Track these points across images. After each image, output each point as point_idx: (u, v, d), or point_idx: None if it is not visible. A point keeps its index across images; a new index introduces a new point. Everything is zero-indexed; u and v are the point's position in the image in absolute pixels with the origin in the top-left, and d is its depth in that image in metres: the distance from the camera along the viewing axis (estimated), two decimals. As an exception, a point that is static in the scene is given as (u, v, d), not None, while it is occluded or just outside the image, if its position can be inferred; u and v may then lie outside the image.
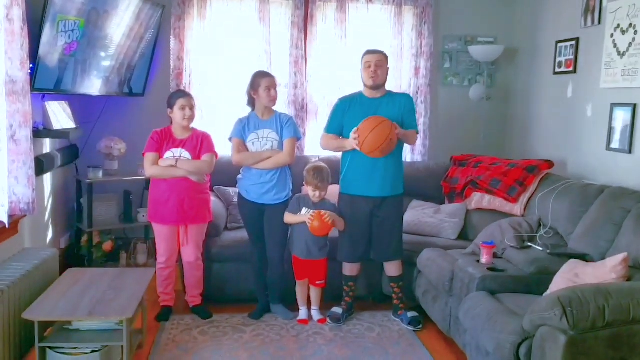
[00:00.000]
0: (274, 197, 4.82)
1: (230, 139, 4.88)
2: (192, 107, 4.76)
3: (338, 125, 4.83)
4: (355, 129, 4.54)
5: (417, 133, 4.87)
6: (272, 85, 4.77)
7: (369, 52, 4.77)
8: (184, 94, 4.84)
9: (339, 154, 4.98)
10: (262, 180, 4.80)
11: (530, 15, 6.37)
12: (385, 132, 4.43)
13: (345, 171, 4.84)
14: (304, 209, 4.76)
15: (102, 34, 5.30)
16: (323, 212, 4.66)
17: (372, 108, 4.70)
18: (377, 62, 4.69)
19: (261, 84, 4.75)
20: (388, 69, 4.80)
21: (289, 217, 4.79)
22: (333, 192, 5.03)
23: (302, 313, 4.92)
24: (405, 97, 4.94)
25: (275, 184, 4.79)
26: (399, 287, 4.95)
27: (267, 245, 4.91)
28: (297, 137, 4.87)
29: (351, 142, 4.59)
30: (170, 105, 4.74)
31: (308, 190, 4.81)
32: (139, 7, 5.56)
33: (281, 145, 4.80)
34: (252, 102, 4.87)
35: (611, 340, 3.02)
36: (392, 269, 4.92)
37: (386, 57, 4.79)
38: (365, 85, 4.78)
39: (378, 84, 4.72)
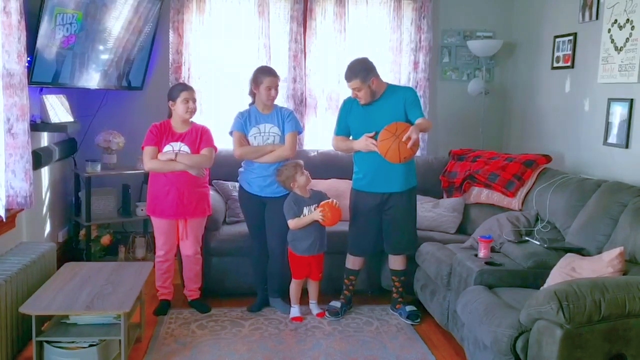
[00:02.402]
0: (276, 190, 4.82)
1: (231, 133, 4.88)
2: (194, 100, 4.75)
3: (345, 127, 4.84)
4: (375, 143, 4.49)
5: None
6: (274, 85, 4.75)
7: (345, 77, 4.66)
8: (187, 87, 4.83)
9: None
10: (264, 174, 4.80)
11: (528, 10, 6.37)
12: (398, 149, 4.33)
13: (357, 168, 4.86)
14: (305, 208, 4.73)
15: (100, 27, 5.29)
16: (329, 201, 4.67)
17: (373, 107, 4.66)
18: (355, 88, 4.61)
19: (263, 82, 4.73)
20: (372, 82, 4.59)
21: (296, 222, 4.70)
22: (334, 186, 5.03)
23: (295, 311, 4.89)
24: (406, 91, 4.85)
25: None
26: (400, 282, 4.96)
27: (268, 238, 4.92)
28: (299, 131, 4.88)
29: (369, 147, 4.56)
30: (173, 98, 4.72)
31: (298, 182, 4.72)
32: (137, 0, 5.55)
33: (283, 140, 4.81)
34: (253, 94, 4.86)
35: (607, 334, 3.03)
36: (397, 262, 4.92)
37: (362, 78, 4.57)
38: None
39: (368, 103, 4.66)
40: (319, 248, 4.79)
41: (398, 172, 4.67)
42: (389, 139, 4.34)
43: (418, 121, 4.49)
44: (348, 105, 4.84)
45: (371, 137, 4.57)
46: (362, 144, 4.61)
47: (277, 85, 4.80)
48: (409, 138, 4.26)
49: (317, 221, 4.66)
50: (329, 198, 4.77)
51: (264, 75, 4.76)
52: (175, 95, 4.71)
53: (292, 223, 4.73)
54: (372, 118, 4.62)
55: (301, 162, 4.80)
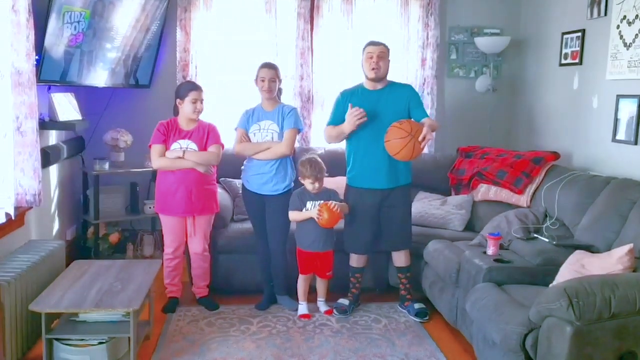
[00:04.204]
0: (273, 188, 4.82)
1: (236, 130, 4.90)
2: (202, 101, 4.76)
3: (340, 119, 4.80)
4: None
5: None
6: (267, 76, 4.77)
7: (370, 44, 4.72)
8: (196, 87, 4.81)
9: (344, 146, 4.96)
10: (261, 171, 4.81)
11: (536, 7, 6.35)
12: (412, 148, 4.31)
13: (352, 164, 4.83)
14: (308, 202, 4.74)
15: (107, 25, 5.30)
16: (329, 202, 4.66)
17: (372, 100, 4.68)
18: (379, 54, 4.64)
19: (258, 75, 4.80)
20: (389, 61, 4.75)
21: (294, 215, 4.76)
22: (340, 184, 5.02)
23: (303, 308, 4.89)
24: (407, 89, 4.87)
25: (274, 175, 4.80)
26: (406, 278, 4.95)
27: (268, 237, 4.93)
28: (298, 128, 4.85)
29: (354, 122, 4.58)
30: (181, 97, 4.73)
31: (306, 183, 4.78)
32: (144, -1, 5.57)
33: (282, 137, 4.80)
34: None
35: (617, 331, 3.02)
36: (400, 259, 4.92)
37: (388, 49, 4.73)
38: (366, 77, 4.75)
39: (379, 76, 4.68)
40: (324, 245, 4.79)
41: (396, 168, 4.69)
42: (405, 137, 4.30)
43: (428, 121, 4.50)
44: (347, 97, 4.81)
45: (353, 111, 4.58)
46: (348, 122, 4.62)
47: (273, 78, 4.80)
48: (424, 138, 4.25)
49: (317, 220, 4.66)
50: (339, 198, 4.79)
51: (259, 68, 4.84)
52: (184, 94, 4.72)
53: (291, 215, 4.77)
54: (376, 108, 4.64)
55: (323, 170, 4.75)
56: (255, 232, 5.01)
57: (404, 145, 4.31)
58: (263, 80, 4.76)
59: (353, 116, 4.57)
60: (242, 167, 5.00)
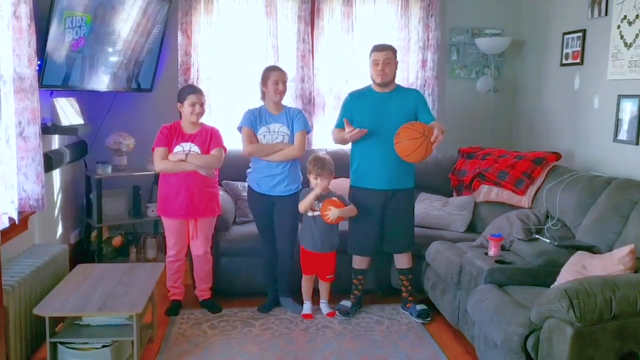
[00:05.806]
0: (285, 189, 4.84)
1: (239, 129, 4.89)
2: (202, 104, 4.78)
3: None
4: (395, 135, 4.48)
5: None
6: (281, 79, 4.79)
7: (376, 49, 4.72)
8: (195, 90, 4.84)
9: (349, 148, 4.98)
10: (272, 173, 4.81)
11: (537, 7, 6.36)
12: (425, 149, 4.35)
13: (356, 164, 4.85)
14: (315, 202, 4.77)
15: (109, 29, 5.32)
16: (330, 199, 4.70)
17: (381, 103, 4.71)
18: (385, 60, 4.65)
19: (270, 77, 4.79)
20: (397, 63, 4.77)
21: (301, 204, 4.79)
22: (344, 185, 5.04)
23: (307, 307, 4.93)
24: (415, 93, 4.94)
25: (286, 176, 4.81)
26: (408, 280, 4.97)
27: (276, 237, 4.93)
28: (307, 130, 4.89)
29: (353, 137, 4.64)
30: (181, 100, 4.76)
31: (310, 179, 4.79)
32: (145, 2, 5.57)
33: (292, 139, 4.82)
34: (264, 96, 4.89)
35: (618, 332, 3.03)
36: (402, 261, 4.93)
37: (394, 52, 4.74)
38: (374, 82, 4.78)
39: (386, 82, 4.71)
40: (322, 247, 4.81)
41: (399, 170, 4.71)
42: (418, 138, 4.33)
43: (437, 124, 4.50)
44: (355, 99, 4.86)
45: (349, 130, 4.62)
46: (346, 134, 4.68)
47: (285, 81, 4.83)
48: (436, 139, 4.30)
49: (322, 217, 4.67)
50: (347, 203, 4.80)
51: (271, 71, 4.84)
52: (183, 97, 4.75)
53: (300, 205, 4.79)
54: (384, 110, 4.67)
55: (325, 168, 4.76)
56: (261, 235, 5.01)
57: (417, 147, 4.33)
58: (277, 83, 4.77)
59: (349, 134, 4.63)
60: (249, 170, 4.99)
